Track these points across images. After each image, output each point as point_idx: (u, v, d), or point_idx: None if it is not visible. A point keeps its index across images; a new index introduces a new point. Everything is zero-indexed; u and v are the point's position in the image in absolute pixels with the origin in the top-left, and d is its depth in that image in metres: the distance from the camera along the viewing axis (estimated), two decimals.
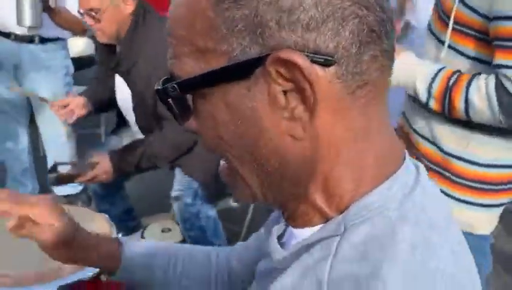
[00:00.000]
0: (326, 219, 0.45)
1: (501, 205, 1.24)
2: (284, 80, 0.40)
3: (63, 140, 2.45)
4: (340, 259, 0.41)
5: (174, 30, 0.44)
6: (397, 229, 0.41)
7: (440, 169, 1.23)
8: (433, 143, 1.23)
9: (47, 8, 2.10)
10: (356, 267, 0.40)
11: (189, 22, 0.42)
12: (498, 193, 1.22)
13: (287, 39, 0.39)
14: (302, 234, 0.47)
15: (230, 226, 2.31)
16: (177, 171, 1.91)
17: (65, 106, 1.89)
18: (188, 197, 1.86)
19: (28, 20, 2.02)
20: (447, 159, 1.21)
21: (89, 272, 1.11)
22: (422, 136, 1.26)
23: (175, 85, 0.44)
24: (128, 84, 1.76)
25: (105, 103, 2.01)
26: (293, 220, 0.48)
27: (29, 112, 2.49)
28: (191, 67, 0.43)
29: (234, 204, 2.82)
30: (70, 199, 2.69)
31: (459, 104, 1.10)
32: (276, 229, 0.52)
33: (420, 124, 1.26)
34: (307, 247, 0.45)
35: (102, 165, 1.69)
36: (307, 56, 0.39)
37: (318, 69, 0.39)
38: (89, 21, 1.66)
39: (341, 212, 0.44)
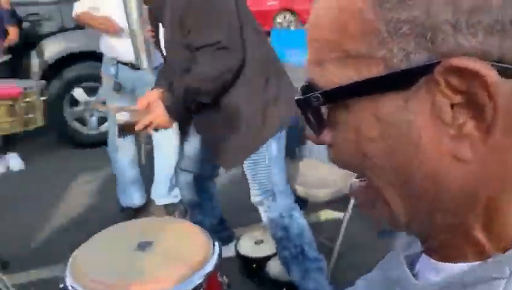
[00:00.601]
0: (483, 256, 0.38)
1: None
2: (454, 91, 0.34)
3: (174, 143, 2.78)
4: None
5: (317, 32, 0.40)
6: None
7: None
8: None
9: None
10: None
11: (339, 24, 0.38)
12: None
13: (464, 45, 0.33)
14: (447, 269, 0.40)
15: (322, 240, 2.28)
16: (249, 175, 1.93)
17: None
18: (268, 199, 1.92)
19: (145, 63, 2.49)
20: None
21: (192, 282, 1.16)
22: None
23: (319, 95, 0.40)
24: (164, 26, 1.80)
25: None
26: (439, 252, 0.42)
27: None
28: (336, 75, 0.38)
29: (325, 217, 2.79)
30: (169, 208, 2.86)
31: None
32: (407, 257, 0.46)
33: None
34: (462, 286, 0.38)
35: (156, 109, 1.76)
36: (490, 65, 0.33)
37: (501, 81, 0.33)
38: None
39: (504, 251, 0.37)
